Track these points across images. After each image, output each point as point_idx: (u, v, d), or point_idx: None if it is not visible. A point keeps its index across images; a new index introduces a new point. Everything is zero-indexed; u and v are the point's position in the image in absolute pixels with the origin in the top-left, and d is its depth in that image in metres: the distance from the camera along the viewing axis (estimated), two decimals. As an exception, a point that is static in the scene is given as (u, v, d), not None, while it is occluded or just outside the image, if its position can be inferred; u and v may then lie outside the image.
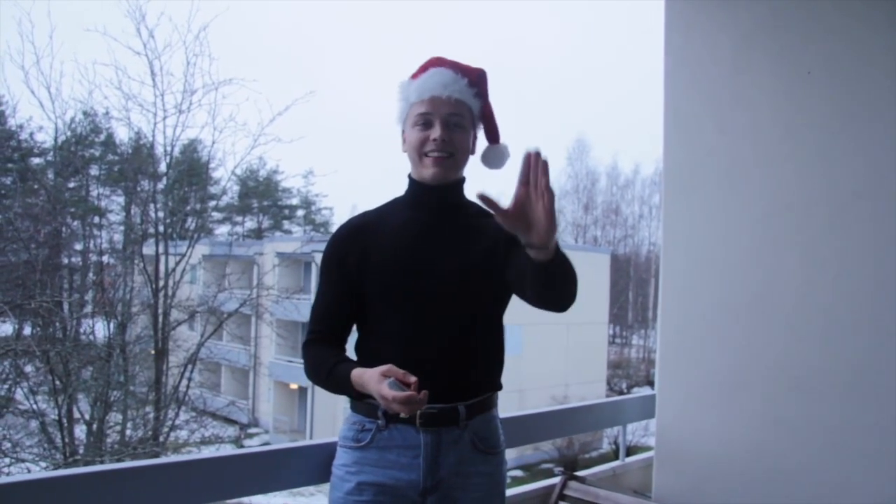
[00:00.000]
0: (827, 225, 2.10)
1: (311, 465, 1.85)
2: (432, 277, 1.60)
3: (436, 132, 1.60)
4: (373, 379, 1.46)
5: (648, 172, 40.89)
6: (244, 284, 14.23)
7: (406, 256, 1.62)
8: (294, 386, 24.34)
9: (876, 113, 2.02)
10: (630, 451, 2.98)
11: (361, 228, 1.68)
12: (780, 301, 2.18)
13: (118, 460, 8.36)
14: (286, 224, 38.96)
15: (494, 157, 1.73)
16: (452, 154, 1.63)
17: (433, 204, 1.67)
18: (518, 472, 17.59)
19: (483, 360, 1.68)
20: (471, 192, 1.72)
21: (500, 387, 1.72)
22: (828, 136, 2.10)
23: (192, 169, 12.75)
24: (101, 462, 8.36)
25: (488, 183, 1.38)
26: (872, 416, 2.02)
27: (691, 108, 2.39)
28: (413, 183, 1.69)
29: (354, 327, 1.71)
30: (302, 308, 20.90)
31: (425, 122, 1.62)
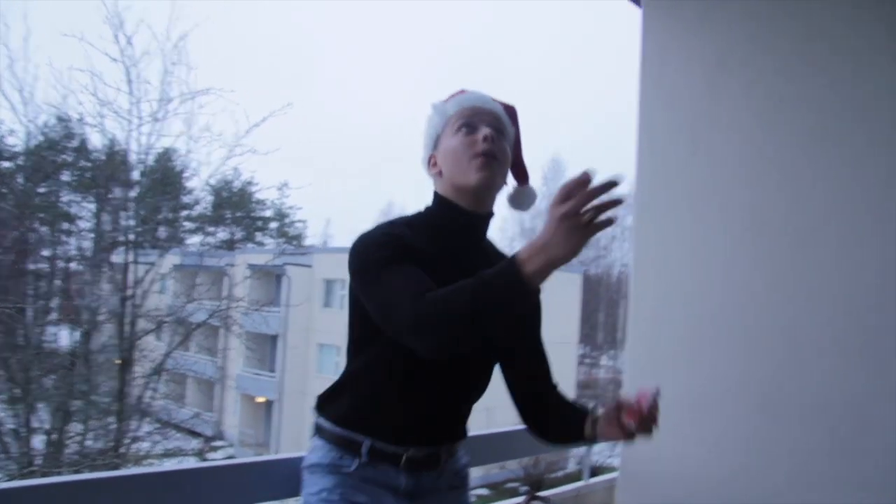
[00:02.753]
0: (794, 248, 2.13)
1: (277, 479, 1.82)
2: None
3: (484, 130, 1.48)
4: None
5: (622, 192, 41.21)
6: (214, 295, 14.08)
7: None
8: (260, 399, 24.09)
9: (843, 139, 2.06)
10: (596, 471, 2.98)
11: (409, 240, 1.44)
12: (746, 323, 2.20)
13: (76, 472, 8.19)
14: (259, 236, 38.62)
15: (524, 199, 1.63)
16: (500, 159, 1.50)
17: (467, 235, 1.54)
18: (483, 491, 17.50)
19: (471, 406, 1.62)
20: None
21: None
22: (797, 160, 2.14)
23: (165, 178, 12.61)
24: (59, 474, 8.18)
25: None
26: (837, 439, 2.04)
27: (664, 131, 2.42)
28: (445, 205, 1.53)
29: (360, 336, 1.51)
30: (271, 321, 20.79)
31: (469, 125, 1.50)
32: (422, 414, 1.47)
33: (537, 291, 1.15)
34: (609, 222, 1.15)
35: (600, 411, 1.56)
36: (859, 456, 1.99)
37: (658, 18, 2.49)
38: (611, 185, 1.14)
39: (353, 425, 1.49)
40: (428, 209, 1.57)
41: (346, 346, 1.55)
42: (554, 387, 1.70)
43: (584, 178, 1.12)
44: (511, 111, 1.60)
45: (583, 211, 1.12)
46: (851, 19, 2.07)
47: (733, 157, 2.27)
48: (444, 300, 1.22)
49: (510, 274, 1.16)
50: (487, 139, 1.47)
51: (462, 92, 1.59)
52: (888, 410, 1.94)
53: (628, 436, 1.46)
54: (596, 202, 1.13)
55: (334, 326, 22.87)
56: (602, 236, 42.40)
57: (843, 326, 2.05)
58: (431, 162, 1.57)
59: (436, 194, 1.56)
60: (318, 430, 1.55)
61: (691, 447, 2.28)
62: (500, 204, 1.58)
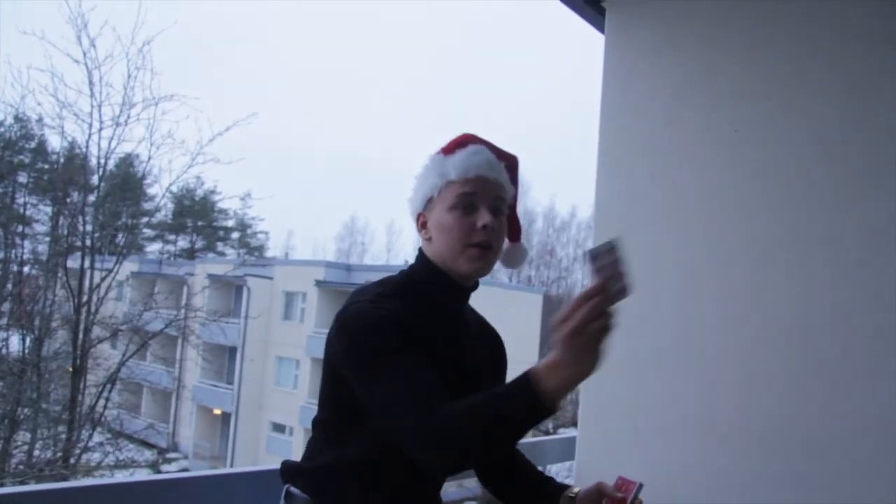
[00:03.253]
0: (747, 277, 2.17)
1: (239, 494, 1.79)
2: (460, 387, 1.26)
3: (484, 218, 1.36)
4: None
5: (584, 216, 41.76)
6: (172, 305, 13.89)
7: (453, 372, 1.31)
8: (217, 411, 23.76)
9: (798, 171, 2.11)
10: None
11: (405, 316, 1.32)
12: (699, 351, 2.23)
13: (21, 482, 7.97)
14: (220, 246, 38.26)
15: (516, 258, 1.54)
16: (496, 248, 1.40)
17: (454, 303, 1.45)
18: (441, 509, 17.41)
19: None
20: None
21: None
22: (750, 191, 2.18)
23: (125, 183, 12.41)
24: (2, 485, 7.95)
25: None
26: (786, 469, 2.07)
27: (624, 157, 2.45)
28: (433, 273, 1.42)
29: (345, 414, 1.37)
30: (229, 332, 20.54)
31: (468, 206, 1.37)
32: (410, 494, 1.41)
33: (556, 409, 1.11)
34: (613, 325, 1.09)
35: (576, 490, 1.52)
36: (814, 483, 2.02)
37: (619, 46, 2.53)
38: (612, 288, 1.08)
39: None
40: (414, 271, 1.45)
41: (321, 416, 1.43)
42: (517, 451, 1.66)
43: (585, 295, 1.08)
44: (513, 164, 1.49)
45: (588, 323, 1.07)
46: (810, 49, 2.13)
47: (691, 184, 2.30)
48: (455, 425, 1.15)
49: (529, 396, 1.10)
50: (487, 228, 1.36)
51: (465, 142, 1.44)
52: (842, 437, 1.98)
53: None
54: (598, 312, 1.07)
55: (294, 339, 22.71)
56: (563, 257, 42.64)
57: (797, 354, 2.08)
58: (420, 221, 1.44)
59: (423, 255, 1.45)
60: (291, 500, 1.42)
61: (644, 471, 2.29)
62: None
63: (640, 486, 1.40)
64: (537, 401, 1.09)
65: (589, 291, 1.07)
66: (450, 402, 1.18)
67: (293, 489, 1.40)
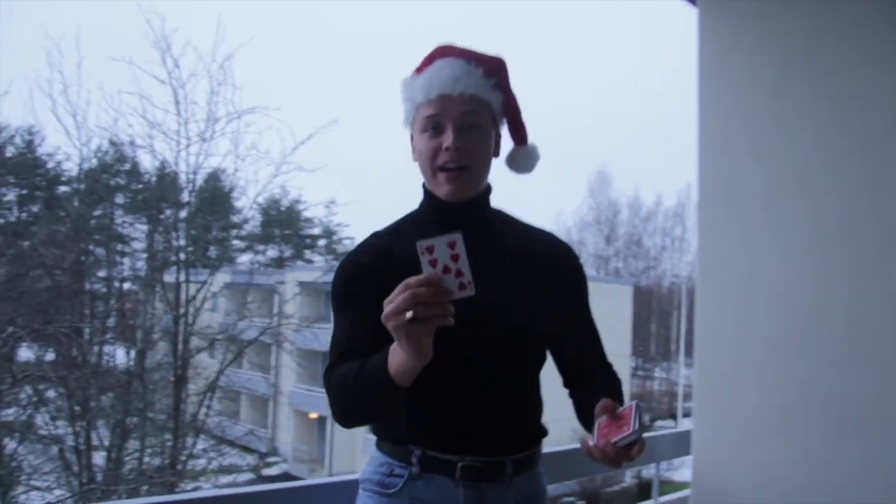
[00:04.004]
0: (875, 256, 1.99)
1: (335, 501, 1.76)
2: (472, 312, 1.19)
3: (448, 139, 1.34)
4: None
5: (670, 204, 40.72)
6: (265, 313, 14.23)
7: None
8: (314, 415, 24.26)
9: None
10: (643, 485, 2.87)
11: (379, 254, 1.39)
12: (826, 335, 2.06)
13: (134, 489, 8.30)
14: (307, 253, 39.08)
15: (523, 161, 1.50)
16: (468, 166, 1.36)
17: (458, 222, 1.28)
18: (538, 507, 17.22)
19: (531, 404, 1.46)
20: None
21: (546, 432, 1.49)
22: (873, 163, 2.00)
23: (214, 197, 12.81)
24: (118, 490, 8.30)
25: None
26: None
27: (727, 134, 2.31)
28: (429, 197, 1.44)
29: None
30: (322, 337, 20.94)
31: (435, 127, 1.36)
32: (465, 420, 1.35)
33: (404, 388, 1.16)
34: (438, 318, 1.06)
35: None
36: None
37: (716, 17, 2.38)
38: (447, 284, 1.06)
39: (405, 437, 1.38)
40: (420, 202, 1.47)
41: None
42: (604, 367, 1.55)
43: (406, 283, 1.06)
44: (497, 65, 1.42)
45: (404, 311, 1.04)
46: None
47: (802, 161, 2.15)
48: (333, 389, 1.29)
49: (382, 375, 1.16)
50: (451, 149, 1.33)
51: (437, 56, 1.40)
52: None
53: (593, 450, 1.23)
54: (409, 298, 1.04)
55: (384, 341, 22.96)
56: (651, 247, 41.73)
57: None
58: (413, 145, 1.44)
59: (423, 184, 1.45)
60: (376, 442, 1.46)
61: (772, 465, 2.16)
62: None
63: (637, 428, 1.19)
64: (387, 380, 1.15)
65: (410, 281, 1.06)
66: (351, 362, 1.26)
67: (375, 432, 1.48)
